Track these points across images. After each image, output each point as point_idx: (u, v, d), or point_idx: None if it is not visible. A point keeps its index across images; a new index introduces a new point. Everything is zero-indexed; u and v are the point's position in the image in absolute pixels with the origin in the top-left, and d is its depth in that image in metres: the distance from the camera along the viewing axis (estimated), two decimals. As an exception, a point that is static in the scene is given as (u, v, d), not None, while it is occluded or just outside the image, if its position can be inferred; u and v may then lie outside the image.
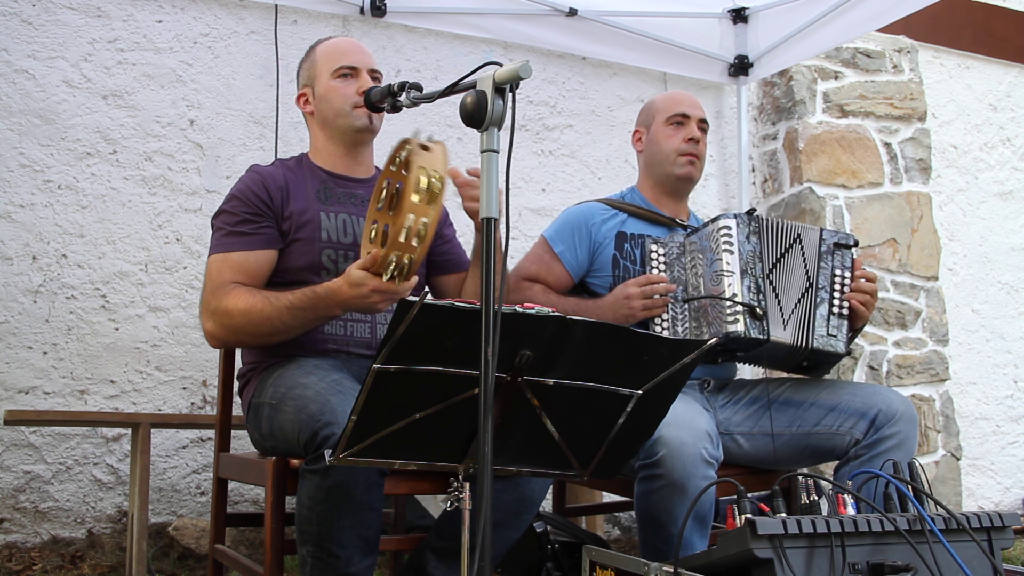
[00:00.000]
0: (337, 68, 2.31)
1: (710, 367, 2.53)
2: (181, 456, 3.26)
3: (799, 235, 2.40)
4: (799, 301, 2.36)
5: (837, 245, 2.43)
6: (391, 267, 1.90)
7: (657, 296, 2.36)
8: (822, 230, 2.44)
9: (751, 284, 2.29)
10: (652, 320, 2.39)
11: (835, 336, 2.36)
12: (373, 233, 2.14)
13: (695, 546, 2.12)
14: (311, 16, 3.59)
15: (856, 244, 2.47)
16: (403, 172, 2.10)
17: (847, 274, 2.42)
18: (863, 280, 2.41)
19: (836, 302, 2.38)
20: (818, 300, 2.37)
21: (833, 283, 2.40)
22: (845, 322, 2.38)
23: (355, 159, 2.38)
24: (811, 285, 2.38)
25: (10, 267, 3.11)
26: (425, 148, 1.91)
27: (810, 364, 2.46)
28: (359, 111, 2.27)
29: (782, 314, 2.33)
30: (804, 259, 2.40)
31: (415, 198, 1.84)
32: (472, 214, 2.16)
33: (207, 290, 2.15)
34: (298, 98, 2.41)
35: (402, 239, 1.85)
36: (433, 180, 1.85)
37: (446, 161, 1.92)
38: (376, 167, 2.46)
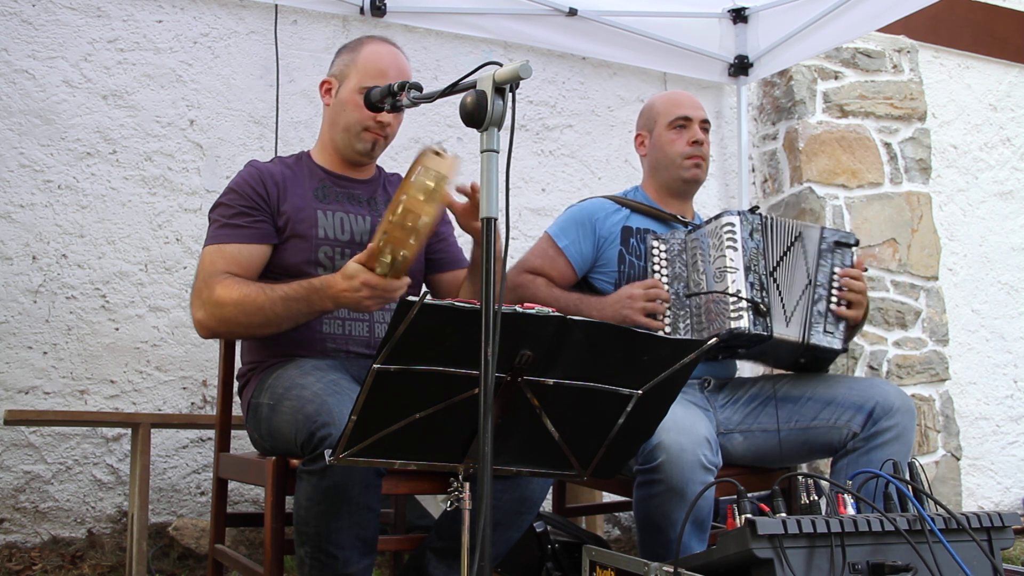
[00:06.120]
0: (365, 86, 2.22)
1: (711, 365, 2.53)
2: (181, 456, 3.26)
3: (800, 233, 2.41)
4: (800, 298, 2.37)
5: (838, 244, 2.44)
6: (386, 262, 1.90)
7: (660, 302, 2.36)
8: (823, 228, 2.45)
9: (754, 281, 2.29)
10: (653, 318, 2.39)
11: (831, 333, 2.37)
12: (382, 243, 2.14)
13: (693, 550, 2.12)
14: (311, 16, 3.59)
15: (857, 243, 2.47)
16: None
17: None
18: (849, 279, 2.40)
19: (834, 299, 2.39)
20: (816, 297, 2.37)
21: (832, 281, 2.40)
22: (843, 320, 2.39)
23: (354, 163, 2.38)
24: (811, 282, 2.38)
25: (10, 267, 3.11)
26: (437, 154, 1.93)
27: (807, 361, 2.47)
28: (367, 135, 2.27)
29: (784, 311, 2.33)
30: (805, 256, 2.40)
31: (416, 195, 1.85)
32: (469, 230, 2.15)
33: (199, 279, 2.14)
34: (321, 84, 2.36)
35: (398, 234, 1.86)
36: (433, 180, 1.86)
37: (453, 169, 1.93)
38: (378, 166, 2.47)
